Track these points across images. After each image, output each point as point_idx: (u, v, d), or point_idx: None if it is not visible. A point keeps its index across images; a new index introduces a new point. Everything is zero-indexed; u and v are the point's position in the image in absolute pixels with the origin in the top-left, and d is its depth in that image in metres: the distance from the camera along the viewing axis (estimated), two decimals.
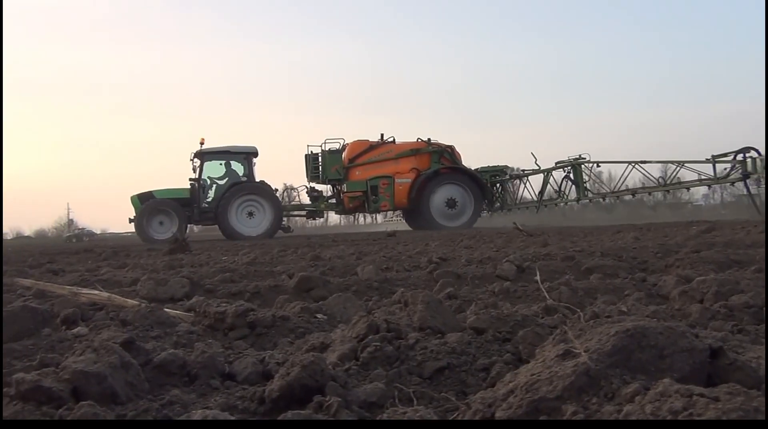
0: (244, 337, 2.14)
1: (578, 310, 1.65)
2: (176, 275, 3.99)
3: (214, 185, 17.48)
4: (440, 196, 18.52)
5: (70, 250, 12.61)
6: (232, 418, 1.10)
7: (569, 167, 17.67)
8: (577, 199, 17.85)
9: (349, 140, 19.27)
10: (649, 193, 18.48)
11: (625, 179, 17.24)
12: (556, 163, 18.25)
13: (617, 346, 1.11)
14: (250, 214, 17.08)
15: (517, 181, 20.00)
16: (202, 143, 17.63)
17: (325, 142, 18.95)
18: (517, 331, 1.62)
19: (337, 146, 18.99)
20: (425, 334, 1.65)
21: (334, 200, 19.44)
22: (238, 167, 17.67)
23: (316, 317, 2.39)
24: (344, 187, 18.57)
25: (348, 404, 1.24)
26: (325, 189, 19.78)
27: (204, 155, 17.46)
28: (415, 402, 1.29)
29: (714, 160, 15.85)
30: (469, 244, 7.62)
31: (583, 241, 7.11)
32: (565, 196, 18.00)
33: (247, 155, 17.71)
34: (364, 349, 1.51)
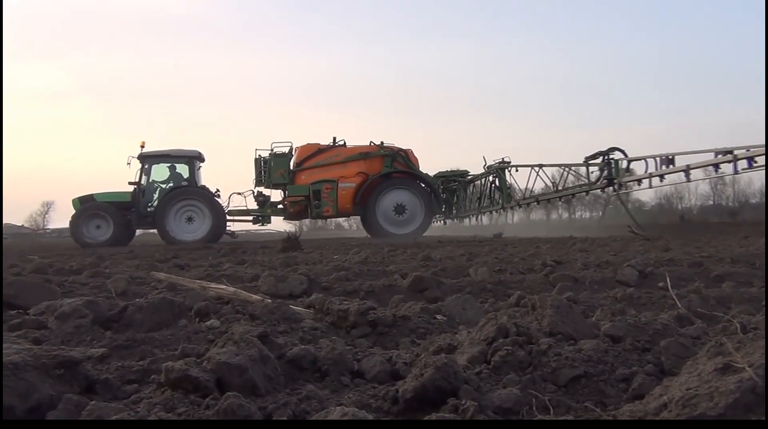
0: (366, 336, 2.16)
1: (731, 319, 1.53)
2: (293, 273, 4.12)
3: (158, 189, 17.16)
4: (388, 201, 17.45)
5: (191, 246, 13.38)
6: (370, 417, 1.10)
7: (494, 173, 16.60)
8: (502, 206, 16.59)
9: (299, 144, 18.41)
10: (548, 201, 16.71)
11: (533, 184, 15.98)
12: (487, 168, 17.10)
13: None
14: (190, 219, 16.66)
15: (468, 187, 18.81)
16: (142, 146, 17.32)
17: (272, 146, 18.28)
18: (658, 341, 1.52)
19: (284, 150, 18.23)
20: (556, 339, 1.59)
21: (281, 206, 18.50)
22: (183, 170, 17.30)
23: (435, 318, 2.38)
24: (287, 192, 17.89)
25: (482, 409, 1.21)
26: (274, 194, 18.86)
27: (147, 158, 17.15)
28: (551, 411, 1.24)
29: (587, 162, 14.28)
30: (583, 247, 7.37)
31: (708, 246, 6.68)
32: (496, 202, 16.84)
33: (190, 159, 17.31)
34: (495, 353, 1.48)
